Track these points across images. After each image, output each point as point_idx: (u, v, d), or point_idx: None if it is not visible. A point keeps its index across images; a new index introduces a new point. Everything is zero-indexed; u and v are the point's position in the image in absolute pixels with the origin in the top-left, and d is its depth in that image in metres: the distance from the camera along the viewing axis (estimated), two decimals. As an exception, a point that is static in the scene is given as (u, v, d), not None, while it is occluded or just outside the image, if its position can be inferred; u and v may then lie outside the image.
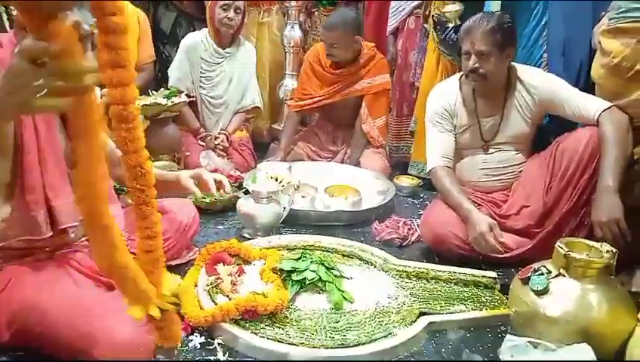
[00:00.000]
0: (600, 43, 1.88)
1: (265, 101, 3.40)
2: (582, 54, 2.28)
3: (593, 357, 1.27)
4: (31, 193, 1.28)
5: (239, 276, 1.72)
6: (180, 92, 2.81)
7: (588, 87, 2.07)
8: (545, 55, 2.42)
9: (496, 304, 1.71)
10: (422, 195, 2.82)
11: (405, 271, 1.85)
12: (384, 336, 1.50)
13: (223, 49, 2.94)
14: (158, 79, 3.32)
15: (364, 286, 1.76)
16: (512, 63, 2.09)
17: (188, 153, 2.80)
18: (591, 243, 1.53)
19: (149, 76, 3.07)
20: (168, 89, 2.82)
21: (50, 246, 1.38)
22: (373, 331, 1.52)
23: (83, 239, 1.46)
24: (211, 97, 2.97)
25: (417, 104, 2.95)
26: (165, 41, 3.50)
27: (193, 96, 2.91)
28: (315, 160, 3.09)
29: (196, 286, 1.68)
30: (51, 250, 1.39)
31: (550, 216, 1.96)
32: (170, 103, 2.54)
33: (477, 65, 1.99)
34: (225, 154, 2.91)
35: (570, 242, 1.54)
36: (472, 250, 1.93)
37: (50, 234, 1.34)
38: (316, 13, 3.61)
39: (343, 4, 3.46)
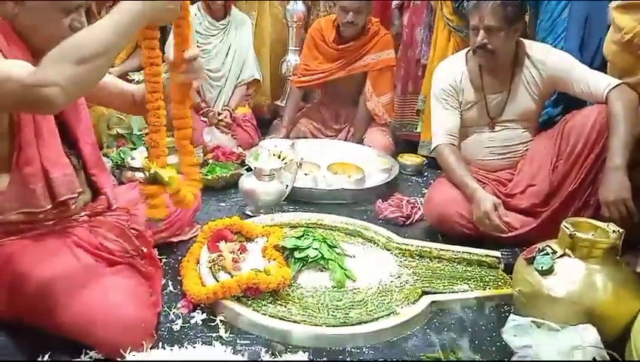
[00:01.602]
0: (613, 19, 1.83)
1: (267, 77, 3.36)
2: (601, 32, 2.22)
3: (597, 338, 1.26)
4: (28, 166, 1.28)
5: (241, 253, 1.72)
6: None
7: (604, 65, 2.03)
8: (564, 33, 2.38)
9: (499, 283, 1.70)
10: (426, 174, 2.80)
11: (408, 250, 1.84)
12: (386, 315, 1.50)
13: (218, 21, 2.90)
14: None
15: (367, 264, 1.75)
16: (520, 39, 2.04)
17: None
18: (597, 223, 1.51)
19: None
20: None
21: (50, 219, 1.37)
22: (375, 309, 1.52)
23: (82, 214, 1.45)
24: (209, 70, 2.93)
25: (425, 82, 2.90)
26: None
27: None
28: (318, 137, 3.06)
29: (198, 263, 1.68)
30: (52, 224, 1.38)
31: (556, 196, 1.93)
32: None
33: (485, 40, 1.94)
34: (228, 131, 2.88)
35: (576, 222, 1.52)
36: (476, 228, 1.91)
37: (50, 206, 1.34)
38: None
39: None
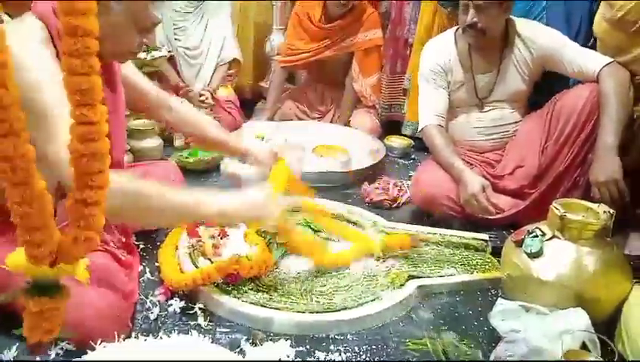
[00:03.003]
0: (604, -5, 1.78)
1: (250, 58, 3.28)
2: (582, 11, 2.18)
3: (588, 321, 1.23)
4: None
5: (222, 238, 1.66)
6: (160, 47, 2.68)
7: (587, 45, 1.98)
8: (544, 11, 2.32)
9: (487, 267, 1.66)
10: (413, 156, 2.75)
11: (394, 234, 1.79)
12: (372, 300, 1.45)
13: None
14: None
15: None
16: (510, 17, 1.98)
17: (170, 111, 2.69)
18: (588, 204, 1.47)
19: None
20: (147, 45, 2.69)
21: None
22: (360, 295, 1.47)
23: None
24: (187, 48, 2.86)
25: (411, 61, 2.84)
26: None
27: (170, 51, 2.79)
28: (304, 119, 2.99)
29: (177, 249, 1.62)
30: None
31: (544, 177, 1.89)
32: (149, 57, 2.42)
33: (475, 19, 1.88)
34: (210, 112, 2.80)
35: (567, 203, 1.47)
36: (464, 211, 1.87)
37: None
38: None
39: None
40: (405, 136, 2.86)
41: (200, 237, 1.64)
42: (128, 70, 1.51)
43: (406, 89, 2.91)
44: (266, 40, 3.38)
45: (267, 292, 1.45)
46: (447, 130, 2.07)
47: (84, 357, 1.05)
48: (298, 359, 1.26)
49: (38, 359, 1.16)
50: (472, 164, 1.98)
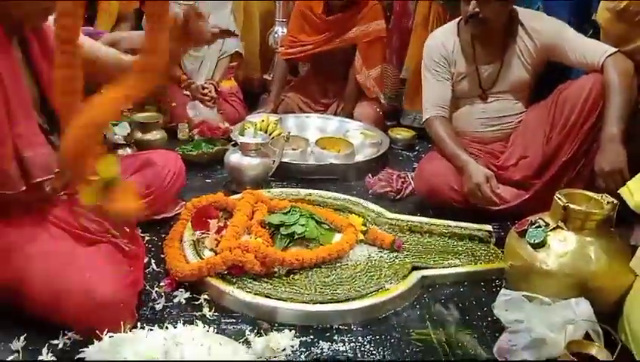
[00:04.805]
0: (607, -15, 1.77)
1: (255, 50, 3.27)
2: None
3: (591, 311, 1.23)
4: (0, 146, 1.21)
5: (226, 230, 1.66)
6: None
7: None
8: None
9: (491, 258, 1.67)
10: (417, 147, 2.75)
11: (398, 225, 1.80)
12: (375, 291, 1.46)
13: None
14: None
15: (356, 239, 1.70)
16: (514, 6, 1.97)
17: (174, 104, 2.70)
18: (591, 194, 1.47)
19: (132, 25, 2.92)
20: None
21: (25, 201, 1.31)
22: (364, 286, 1.48)
23: (62, 193, 1.39)
24: None
25: (409, 51, 2.84)
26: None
27: None
28: (307, 112, 2.99)
29: (181, 241, 1.63)
30: (29, 205, 1.32)
31: (549, 167, 1.89)
32: (152, 50, 2.41)
33: (477, 9, 1.87)
34: (213, 105, 2.80)
35: (570, 193, 1.47)
36: (468, 201, 1.87)
37: (24, 188, 1.27)
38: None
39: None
40: (405, 126, 2.85)
41: (204, 230, 1.64)
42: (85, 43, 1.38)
43: (404, 79, 2.91)
44: (269, 33, 3.37)
45: (271, 283, 1.46)
46: (450, 122, 2.07)
47: (90, 347, 1.07)
48: (302, 349, 1.27)
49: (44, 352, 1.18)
50: (476, 155, 1.98)
